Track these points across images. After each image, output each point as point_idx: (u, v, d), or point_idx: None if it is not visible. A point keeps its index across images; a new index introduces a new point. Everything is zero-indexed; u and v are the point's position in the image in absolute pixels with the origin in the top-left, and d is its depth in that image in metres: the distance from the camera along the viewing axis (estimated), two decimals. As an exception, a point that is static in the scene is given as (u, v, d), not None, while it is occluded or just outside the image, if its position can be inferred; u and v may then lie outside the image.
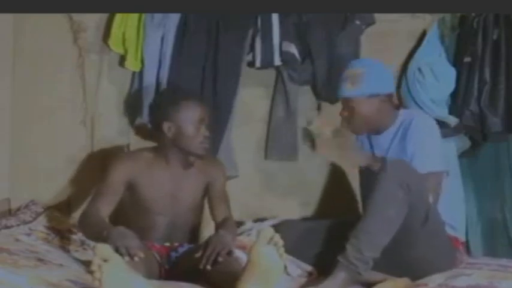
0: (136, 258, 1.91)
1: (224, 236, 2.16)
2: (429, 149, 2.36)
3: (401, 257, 2.24)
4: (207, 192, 2.49)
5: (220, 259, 2.05)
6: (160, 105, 2.46)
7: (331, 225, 2.52)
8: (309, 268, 2.43)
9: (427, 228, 2.21)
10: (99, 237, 2.04)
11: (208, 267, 2.06)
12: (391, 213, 2.11)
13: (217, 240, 2.12)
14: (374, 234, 2.11)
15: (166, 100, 2.45)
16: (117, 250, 1.87)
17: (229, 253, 2.10)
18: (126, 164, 2.38)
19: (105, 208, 2.29)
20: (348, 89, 2.41)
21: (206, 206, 2.56)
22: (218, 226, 2.38)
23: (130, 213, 2.37)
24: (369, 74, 2.40)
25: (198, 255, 2.09)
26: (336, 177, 3.09)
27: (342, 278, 2.12)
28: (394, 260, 2.21)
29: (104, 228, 2.09)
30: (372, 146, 2.53)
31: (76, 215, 2.98)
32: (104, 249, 1.66)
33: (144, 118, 2.92)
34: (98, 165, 2.99)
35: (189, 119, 2.36)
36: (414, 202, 2.15)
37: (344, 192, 3.02)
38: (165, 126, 2.38)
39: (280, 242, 1.86)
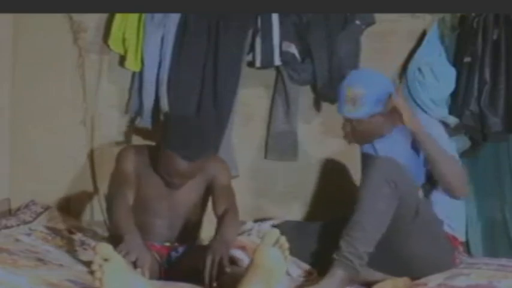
0: (139, 270, 1.91)
1: (221, 242, 2.13)
2: (448, 141, 2.43)
3: (396, 254, 2.26)
4: (210, 190, 2.48)
5: (227, 269, 2.04)
6: (163, 127, 2.46)
7: (331, 225, 2.52)
8: (309, 268, 2.43)
9: (419, 223, 2.24)
10: (118, 232, 2.07)
11: (214, 284, 2.04)
12: (381, 207, 2.15)
13: (214, 250, 2.08)
14: (366, 228, 2.14)
15: (170, 128, 2.33)
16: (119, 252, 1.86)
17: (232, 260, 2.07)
18: (133, 156, 2.38)
19: (130, 195, 2.28)
20: (349, 111, 2.39)
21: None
22: (219, 220, 2.35)
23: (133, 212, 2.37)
24: (369, 95, 2.36)
25: (206, 280, 2.05)
26: (336, 177, 3.09)
27: (340, 275, 2.13)
28: (389, 257, 2.24)
29: (128, 231, 2.08)
30: (375, 149, 2.52)
31: (76, 215, 2.99)
32: (105, 248, 1.65)
33: (145, 118, 2.93)
34: (97, 164, 3.00)
35: (167, 169, 2.29)
36: (403, 196, 2.18)
37: (344, 192, 3.02)
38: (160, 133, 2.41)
39: (286, 245, 1.87)
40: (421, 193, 2.30)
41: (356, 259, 2.13)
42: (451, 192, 2.30)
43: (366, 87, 2.37)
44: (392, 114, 2.43)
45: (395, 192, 2.16)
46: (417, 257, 2.27)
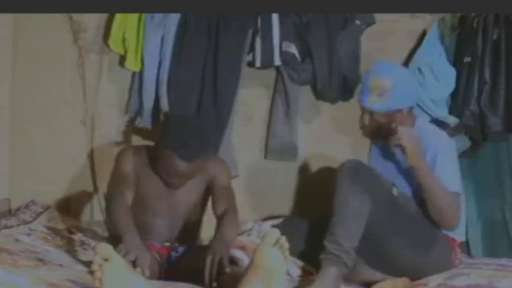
0: (138, 269, 1.91)
1: (221, 242, 2.13)
2: (454, 171, 2.39)
3: (385, 255, 2.28)
4: (209, 190, 2.48)
5: (227, 269, 2.04)
6: (162, 127, 2.48)
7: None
8: (309, 268, 2.43)
9: (398, 221, 2.26)
10: (117, 233, 2.06)
11: (214, 284, 2.04)
12: (355, 203, 2.20)
13: (214, 250, 2.08)
14: (346, 226, 2.19)
15: (169, 128, 2.32)
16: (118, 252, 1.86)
17: (233, 260, 2.07)
18: (132, 157, 2.38)
19: (129, 195, 2.28)
20: (373, 102, 2.37)
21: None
22: (218, 220, 2.35)
23: (132, 212, 2.36)
24: (397, 89, 2.34)
25: (205, 281, 2.04)
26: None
27: (332, 272, 2.15)
28: (385, 258, 2.27)
29: (127, 230, 2.08)
30: (386, 154, 2.51)
31: (76, 215, 2.99)
32: (105, 248, 1.65)
33: (145, 118, 2.93)
34: (97, 164, 3.00)
35: (166, 169, 2.29)
36: (374, 193, 2.21)
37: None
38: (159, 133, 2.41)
39: (286, 245, 1.87)
40: (396, 191, 2.31)
41: (343, 254, 2.16)
42: (440, 223, 2.31)
43: (393, 79, 2.35)
44: (408, 120, 2.42)
45: (365, 188, 2.20)
46: (406, 257, 2.28)
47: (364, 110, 2.44)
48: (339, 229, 2.19)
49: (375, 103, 2.36)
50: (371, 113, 2.41)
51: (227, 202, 2.36)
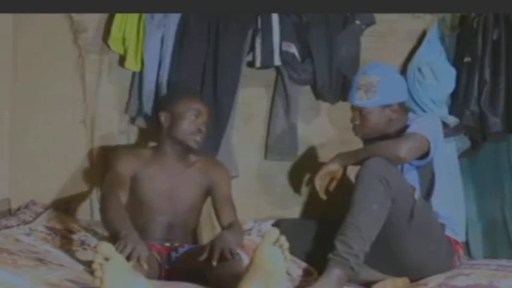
0: (145, 265, 1.91)
1: (228, 237, 2.15)
2: (424, 123, 2.42)
3: (394, 255, 2.26)
4: (207, 194, 2.48)
5: (227, 256, 2.04)
6: (161, 99, 2.59)
7: (331, 224, 2.52)
8: (310, 268, 2.44)
9: (415, 226, 2.24)
10: (114, 231, 2.05)
11: (214, 263, 2.02)
12: (375, 206, 2.17)
13: (221, 240, 2.10)
14: (360, 228, 2.15)
15: (168, 94, 2.56)
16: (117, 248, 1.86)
17: (233, 255, 2.08)
18: (129, 159, 2.39)
19: (123, 195, 2.28)
20: (361, 98, 2.42)
21: (205, 208, 2.57)
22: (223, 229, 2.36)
23: (130, 213, 2.36)
24: (383, 84, 2.40)
25: (203, 257, 2.06)
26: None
27: (337, 274, 2.13)
28: (388, 258, 2.26)
29: (123, 227, 2.07)
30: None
31: (76, 215, 2.99)
32: (106, 247, 1.65)
33: (144, 118, 2.93)
34: (97, 164, 3.00)
35: (184, 109, 2.41)
36: (396, 197, 2.19)
37: (343, 192, 3.02)
38: (162, 116, 2.46)
39: (286, 244, 1.86)
40: (417, 195, 2.30)
41: (352, 258, 2.14)
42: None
43: (380, 76, 2.40)
44: (400, 117, 2.43)
45: (388, 191, 2.18)
46: (415, 259, 2.28)
47: (354, 109, 2.48)
48: (352, 231, 2.15)
49: (363, 99, 2.41)
50: (360, 111, 2.44)
51: (232, 214, 2.40)
